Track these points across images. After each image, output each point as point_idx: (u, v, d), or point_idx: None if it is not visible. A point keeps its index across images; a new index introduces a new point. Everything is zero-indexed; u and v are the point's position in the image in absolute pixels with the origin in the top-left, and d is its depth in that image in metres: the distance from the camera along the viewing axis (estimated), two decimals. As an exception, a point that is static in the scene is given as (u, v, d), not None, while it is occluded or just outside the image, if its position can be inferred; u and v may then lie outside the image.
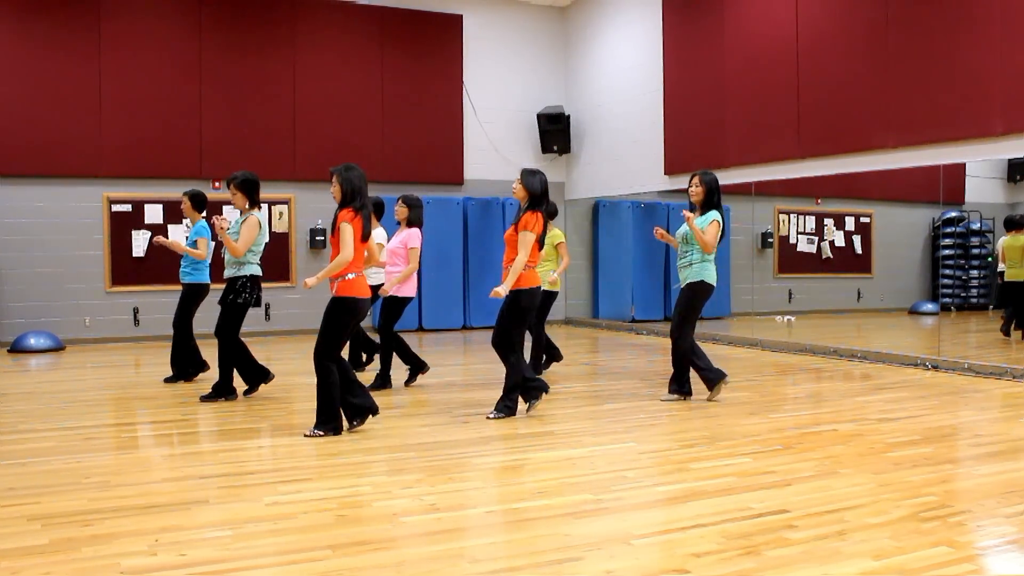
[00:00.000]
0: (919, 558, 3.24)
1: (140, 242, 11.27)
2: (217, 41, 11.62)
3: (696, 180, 6.66)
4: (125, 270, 11.24)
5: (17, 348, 10.22)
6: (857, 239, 15.09)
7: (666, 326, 12.87)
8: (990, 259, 15.41)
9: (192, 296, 7.61)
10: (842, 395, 7.07)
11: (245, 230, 6.63)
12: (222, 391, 6.79)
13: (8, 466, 4.72)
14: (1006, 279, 10.49)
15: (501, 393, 6.11)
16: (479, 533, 3.66)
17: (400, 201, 7.38)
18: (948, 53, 8.16)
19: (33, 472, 4.59)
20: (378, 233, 7.73)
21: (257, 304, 6.78)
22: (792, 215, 14.36)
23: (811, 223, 14.68)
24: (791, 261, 13.12)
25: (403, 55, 12.66)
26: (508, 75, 13.50)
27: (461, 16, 13.12)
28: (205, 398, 6.79)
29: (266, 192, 11.85)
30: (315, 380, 5.50)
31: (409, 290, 7.28)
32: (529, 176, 6.06)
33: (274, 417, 6.22)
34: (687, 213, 6.56)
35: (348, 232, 5.37)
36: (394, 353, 7.42)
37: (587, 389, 7.22)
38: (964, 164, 9.32)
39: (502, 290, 5.89)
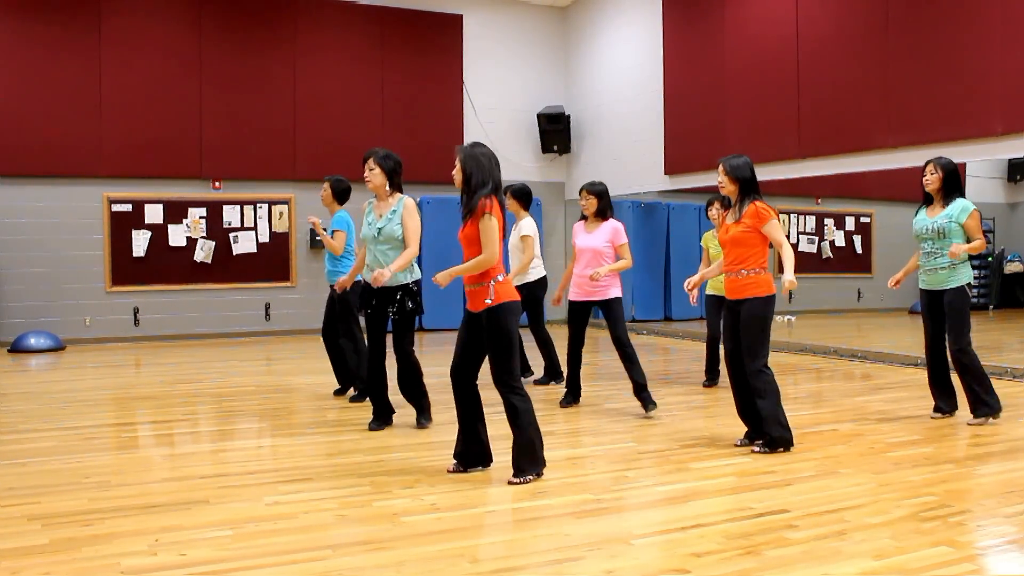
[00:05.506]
0: (919, 558, 3.24)
1: (140, 242, 11.26)
2: (217, 41, 11.62)
3: (932, 167, 5.66)
4: (125, 270, 11.22)
5: (17, 348, 10.22)
6: (857, 239, 15.10)
7: (666, 326, 12.89)
8: (990, 259, 15.42)
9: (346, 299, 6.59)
10: (842, 395, 7.07)
11: (409, 218, 5.50)
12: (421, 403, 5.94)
13: (8, 466, 4.72)
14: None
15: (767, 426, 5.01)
16: (479, 533, 3.66)
17: (585, 192, 6.39)
18: (948, 53, 8.16)
19: (33, 472, 4.59)
20: (526, 224, 7.18)
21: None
22: (792, 215, 14.37)
23: (811, 223, 14.69)
24: (791, 261, 13.09)
25: (403, 55, 12.66)
26: (508, 75, 13.50)
27: (461, 16, 13.11)
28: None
29: (266, 192, 11.98)
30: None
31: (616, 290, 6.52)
32: (735, 160, 4.99)
33: (274, 417, 6.22)
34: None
35: (494, 227, 4.37)
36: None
37: (587, 389, 7.21)
38: (964, 164, 9.31)
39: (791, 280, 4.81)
